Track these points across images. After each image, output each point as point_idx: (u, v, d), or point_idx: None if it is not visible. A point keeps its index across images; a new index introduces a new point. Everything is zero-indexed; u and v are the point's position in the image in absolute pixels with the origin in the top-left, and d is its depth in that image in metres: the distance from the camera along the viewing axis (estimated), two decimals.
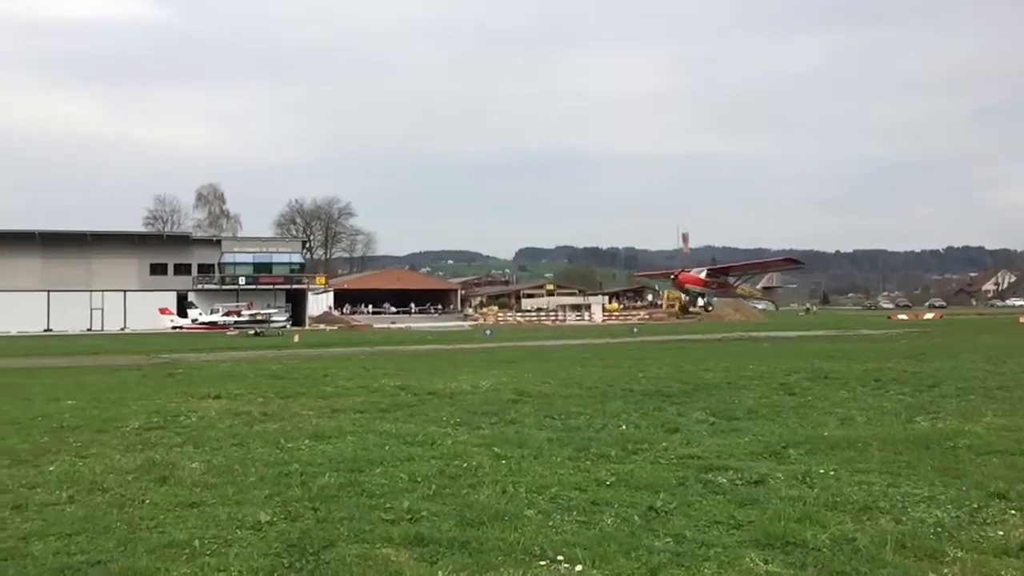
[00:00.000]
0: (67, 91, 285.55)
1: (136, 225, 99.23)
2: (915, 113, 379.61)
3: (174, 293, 70.16)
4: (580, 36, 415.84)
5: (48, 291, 69.35)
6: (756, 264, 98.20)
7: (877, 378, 16.30)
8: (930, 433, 9.58)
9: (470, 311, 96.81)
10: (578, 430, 10.24)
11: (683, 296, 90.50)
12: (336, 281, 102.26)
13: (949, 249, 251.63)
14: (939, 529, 5.75)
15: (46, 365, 24.91)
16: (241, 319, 55.83)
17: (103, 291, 71.07)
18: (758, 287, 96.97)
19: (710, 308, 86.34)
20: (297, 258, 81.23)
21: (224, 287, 74.21)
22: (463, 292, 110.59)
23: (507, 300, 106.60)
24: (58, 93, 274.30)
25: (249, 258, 77.14)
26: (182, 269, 74.88)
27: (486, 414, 11.72)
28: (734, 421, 10.86)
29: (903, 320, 65.87)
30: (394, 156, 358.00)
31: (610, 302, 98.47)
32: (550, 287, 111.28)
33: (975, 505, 6.34)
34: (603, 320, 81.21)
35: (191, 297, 69.75)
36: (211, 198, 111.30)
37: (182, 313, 62.81)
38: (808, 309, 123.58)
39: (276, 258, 78.39)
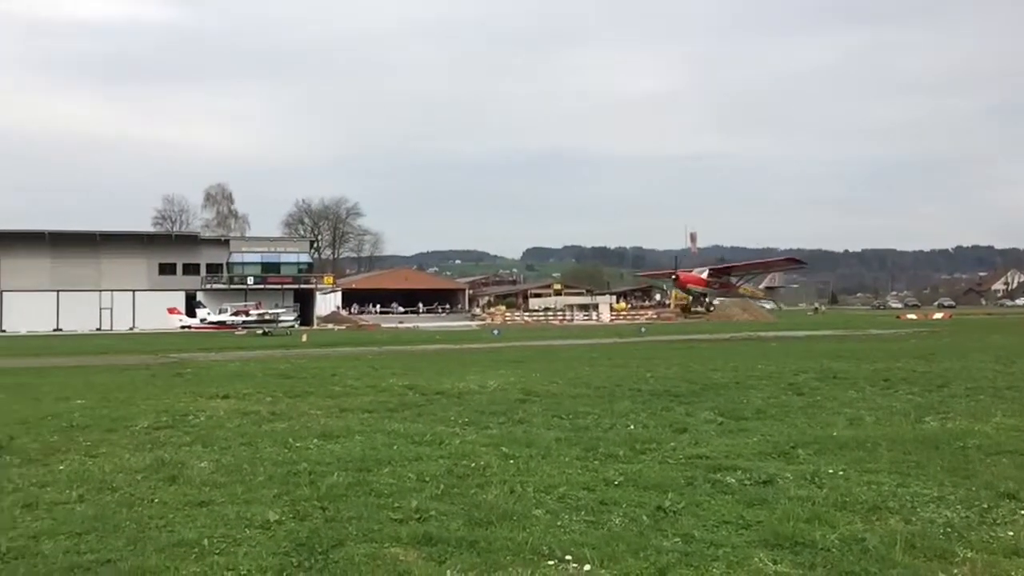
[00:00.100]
0: (67, 91, 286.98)
1: (142, 224, 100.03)
2: (915, 113, 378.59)
3: (183, 293, 70.55)
4: (580, 36, 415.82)
5: (57, 291, 69.61)
6: (758, 264, 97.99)
7: (886, 378, 16.23)
8: (939, 433, 9.54)
9: (478, 311, 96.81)
10: (586, 430, 10.23)
11: (687, 296, 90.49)
12: (344, 281, 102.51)
13: (958, 248, 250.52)
14: (949, 529, 5.73)
15: (55, 365, 24.98)
16: (249, 319, 55.91)
17: (112, 291, 71.30)
18: (760, 287, 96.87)
19: (711, 308, 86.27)
20: (305, 258, 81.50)
21: (232, 287, 74.37)
22: (471, 292, 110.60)
23: (515, 300, 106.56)
24: (58, 93, 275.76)
25: (257, 258, 77.33)
26: (191, 269, 75.05)
27: (494, 414, 11.71)
28: (743, 421, 10.84)
29: (912, 320, 65.51)
30: (394, 156, 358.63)
31: (618, 302, 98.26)
32: (558, 287, 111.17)
33: (985, 505, 6.31)
34: (611, 320, 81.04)
35: (200, 297, 70.05)
36: (219, 198, 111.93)
37: (191, 313, 63.13)
38: (817, 308, 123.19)
39: (284, 258, 78.58)
